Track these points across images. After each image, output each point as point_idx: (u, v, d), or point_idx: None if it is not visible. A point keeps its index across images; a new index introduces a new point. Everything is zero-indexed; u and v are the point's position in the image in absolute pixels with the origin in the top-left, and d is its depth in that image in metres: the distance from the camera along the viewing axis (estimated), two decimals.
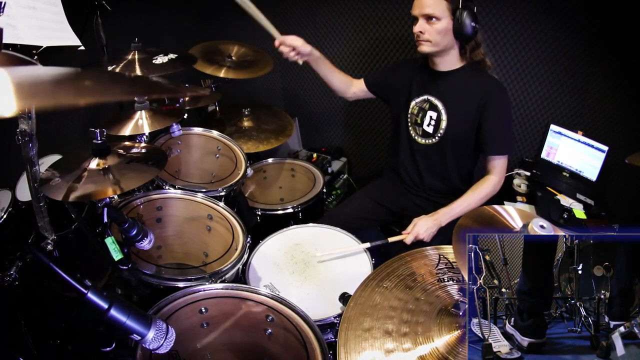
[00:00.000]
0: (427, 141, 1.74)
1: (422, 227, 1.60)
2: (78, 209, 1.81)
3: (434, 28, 1.53)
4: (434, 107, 1.69)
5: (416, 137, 1.77)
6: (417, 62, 1.78)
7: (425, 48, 1.59)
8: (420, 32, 1.55)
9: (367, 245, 1.56)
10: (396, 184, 1.94)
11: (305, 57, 1.76)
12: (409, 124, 1.79)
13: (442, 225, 1.62)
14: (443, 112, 1.66)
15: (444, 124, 1.67)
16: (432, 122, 1.70)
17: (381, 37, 2.51)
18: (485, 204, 1.54)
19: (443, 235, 1.62)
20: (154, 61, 1.70)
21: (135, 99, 1.68)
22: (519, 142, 2.37)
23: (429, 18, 1.52)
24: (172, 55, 1.76)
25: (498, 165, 1.65)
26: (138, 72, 1.67)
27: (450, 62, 1.63)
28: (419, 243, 1.60)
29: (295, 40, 1.72)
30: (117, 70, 1.67)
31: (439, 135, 1.70)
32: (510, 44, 2.17)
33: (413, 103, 1.75)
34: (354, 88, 1.95)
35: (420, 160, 1.80)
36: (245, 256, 1.41)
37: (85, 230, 1.41)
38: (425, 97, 1.71)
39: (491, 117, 1.59)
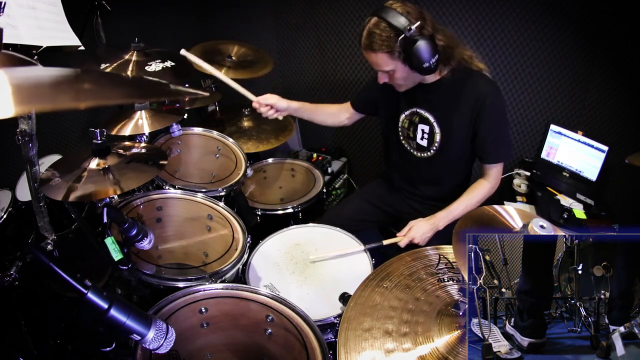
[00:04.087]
0: (422, 154, 1.70)
1: (418, 231, 1.57)
2: (78, 209, 1.81)
3: (394, 77, 1.49)
4: (424, 120, 1.63)
5: (411, 151, 1.73)
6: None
7: (402, 89, 1.58)
8: (385, 81, 1.53)
9: (362, 247, 1.56)
10: (391, 188, 1.93)
11: (283, 112, 1.78)
12: (402, 138, 1.74)
13: (440, 229, 1.60)
14: (435, 125, 1.60)
15: (438, 137, 1.61)
16: (426, 136, 1.65)
17: None
18: (484, 204, 1.53)
19: (442, 236, 1.61)
20: (147, 68, 1.71)
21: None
22: (519, 142, 2.37)
23: (384, 71, 1.48)
24: (168, 64, 1.76)
25: (494, 172, 1.61)
26: (129, 73, 1.68)
27: (433, 75, 1.54)
28: (415, 244, 1.59)
29: (270, 99, 1.74)
30: (111, 68, 1.67)
31: (434, 148, 1.64)
32: (510, 44, 2.17)
33: (402, 116, 1.70)
34: (347, 113, 1.93)
35: (415, 172, 1.77)
36: (245, 256, 1.41)
37: (85, 230, 1.41)
38: (413, 109, 1.65)
39: (487, 125, 1.53)
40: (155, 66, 1.72)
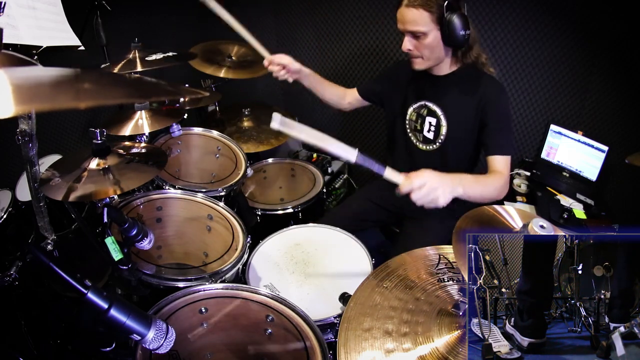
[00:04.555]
0: (427, 147, 1.71)
1: (433, 180, 1.20)
2: (78, 209, 1.81)
3: (422, 44, 1.48)
4: (432, 113, 1.66)
5: (417, 144, 1.74)
6: (411, 65, 1.71)
7: (419, 66, 1.57)
8: (409, 49, 1.52)
9: (355, 154, 1.18)
10: (394, 187, 1.93)
11: (294, 74, 1.76)
12: (409, 130, 1.76)
13: (454, 196, 1.24)
14: (442, 117, 1.63)
15: (444, 130, 1.64)
16: (432, 128, 1.67)
17: (382, 37, 2.51)
18: (485, 205, 1.52)
19: (443, 235, 1.61)
20: (147, 58, 1.70)
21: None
22: (519, 142, 2.37)
23: (415, 34, 1.48)
24: (169, 53, 1.76)
25: (501, 165, 1.54)
26: (139, 68, 1.68)
27: (445, 67, 1.60)
28: (419, 242, 1.54)
29: (283, 59, 1.71)
30: (118, 68, 1.67)
31: (440, 141, 1.66)
32: (510, 44, 2.16)
33: (410, 109, 1.72)
34: (349, 98, 1.94)
35: (420, 165, 1.74)
36: (245, 256, 1.41)
37: (85, 230, 1.41)
38: (422, 102, 1.68)
39: (492, 117, 1.55)
40: (156, 56, 1.72)
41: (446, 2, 1.39)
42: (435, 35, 1.46)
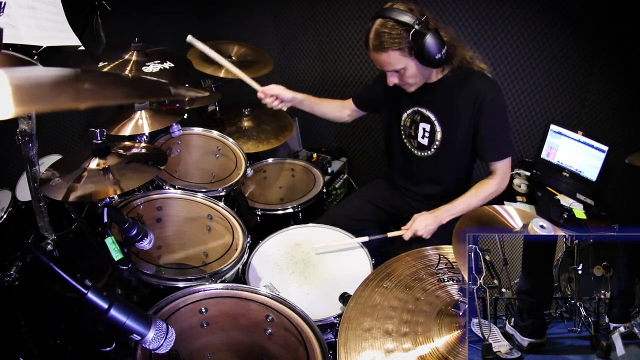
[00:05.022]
0: (422, 153, 1.71)
1: (421, 223, 1.57)
2: (78, 209, 1.81)
3: (405, 76, 1.48)
4: (426, 119, 1.64)
5: (413, 150, 1.74)
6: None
7: (411, 89, 1.57)
8: (396, 84, 1.53)
9: (366, 239, 1.57)
10: (392, 188, 1.93)
11: (288, 103, 1.81)
12: (404, 136, 1.75)
13: (443, 223, 1.59)
14: (436, 123, 1.61)
15: (439, 136, 1.63)
16: (427, 135, 1.66)
17: None
18: (486, 204, 1.53)
19: (443, 235, 1.61)
20: (144, 69, 1.69)
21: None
22: (519, 142, 2.37)
23: (395, 71, 1.48)
24: (167, 65, 1.75)
25: (501, 167, 1.60)
26: (128, 72, 1.67)
27: (433, 75, 1.57)
28: (418, 242, 1.59)
29: (274, 90, 1.75)
30: (110, 67, 1.66)
31: (435, 147, 1.65)
32: (510, 44, 2.17)
33: (404, 115, 1.71)
34: (347, 110, 1.95)
35: (417, 171, 1.78)
36: (245, 256, 1.41)
37: (85, 230, 1.41)
38: (415, 108, 1.67)
39: (488, 122, 1.53)
40: (153, 67, 1.71)
41: (411, 32, 1.36)
42: (413, 64, 1.45)
